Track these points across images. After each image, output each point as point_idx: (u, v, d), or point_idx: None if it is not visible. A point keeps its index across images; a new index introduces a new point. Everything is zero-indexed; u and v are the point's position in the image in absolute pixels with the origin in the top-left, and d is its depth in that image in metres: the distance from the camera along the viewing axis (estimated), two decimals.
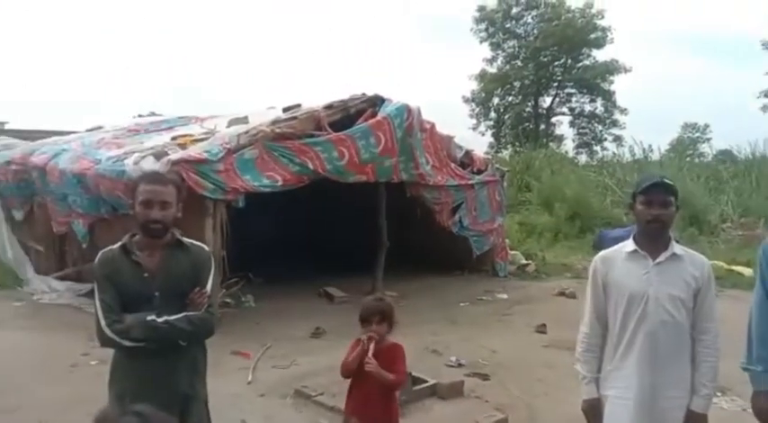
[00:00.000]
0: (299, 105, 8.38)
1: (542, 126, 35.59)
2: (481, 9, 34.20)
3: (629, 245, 2.72)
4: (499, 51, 35.03)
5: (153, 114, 13.43)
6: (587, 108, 35.50)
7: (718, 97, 65.19)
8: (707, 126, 41.25)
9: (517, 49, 34.63)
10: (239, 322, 7.30)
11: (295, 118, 7.81)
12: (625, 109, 34.29)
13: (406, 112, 8.42)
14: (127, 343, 2.56)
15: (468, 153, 10.08)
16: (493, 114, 36.02)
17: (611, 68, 32.75)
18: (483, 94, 35.16)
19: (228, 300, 7.94)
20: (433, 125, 9.18)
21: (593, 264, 2.82)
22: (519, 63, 34.31)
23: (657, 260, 2.64)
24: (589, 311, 2.81)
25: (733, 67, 74.36)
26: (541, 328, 7.27)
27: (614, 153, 25.48)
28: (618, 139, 32.76)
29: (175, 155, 7.01)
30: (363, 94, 8.49)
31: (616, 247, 2.80)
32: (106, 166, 7.66)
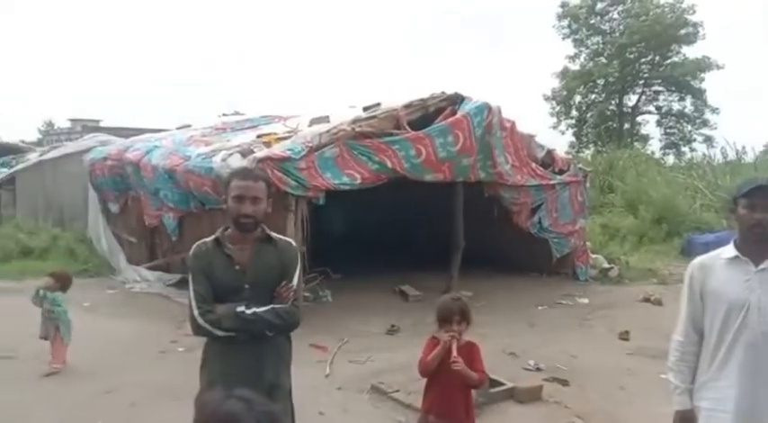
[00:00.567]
0: (378, 104, 8.44)
1: (627, 125, 34.24)
2: (564, 5, 33.29)
3: (728, 250, 2.57)
4: (582, 48, 34.00)
5: (237, 113, 13.93)
6: (675, 107, 33.85)
7: None
8: None
9: (601, 45, 33.48)
10: (317, 316, 7.45)
11: (375, 117, 7.88)
12: (716, 108, 32.41)
13: (486, 110, 8.31)
14: (218, 332, 2.67)
15: (549, 152, 9.84)
16: (574, 113, 35.01)
17: (702, 66, 31.04)
18: (564, 92, 34.21)
19: (307, 294, 8.12)
20: (513, 123, 9.01)
21: (689, 270, 2.68)
22: (603, 60, 33.11)
23: (761, 267, 2.49)
24: (684, 319, 2.67)
25: None
26: (624, 335, 7.00)
27: (704, 154, 24.13)
28: (708, 140, 31.03)
29: (261, 152, 7.24)
30: (443, 92, 8.45)
31: (714, 252, 2.65)
32: (195, 162, 8.00)
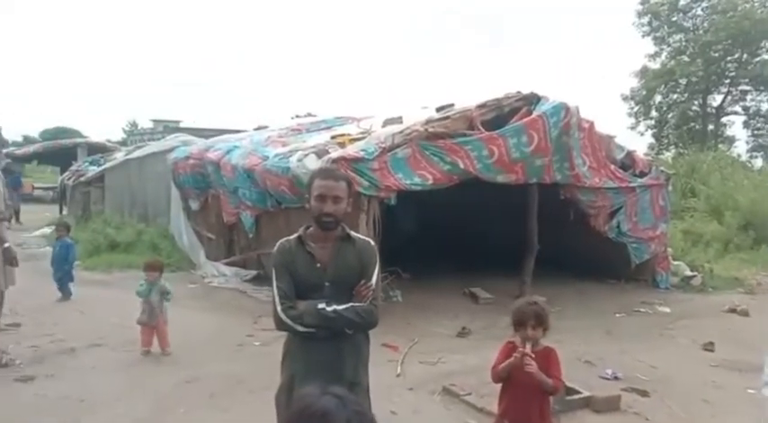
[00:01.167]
0: (452, 105, 8.41)
1: (710, 126, 32.63)
2: (644, 2, 32.07)
3: None
4: (663, 46, 32.66)
5: (309, 115, 14.21)
6: (765, 107, 31.96)
7: None
8: None
9: (684, 43, 32.05)
10: (387, 316, 7.45)
11: (448, 117, 7.85)
12: None
13: (563, 110, 8.11)
14: (299, 328, 2.74)
15: (629, 154, 9.50)
16: (654, 113, 33.68)
17: None
18: (644, 92, 32.96)
19: None
20: (591, 124, 8.76)
21: None
22: (686, 58, 31.66)
23: None
24: None
25: None
26: (709, 346, 6.68)
27: None
28: None
29: (335, 153, 7.36)
30: (518, 92, 8.32)
31: None
32: (273, 162, 8.22)
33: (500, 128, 7.88)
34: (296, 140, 9.41)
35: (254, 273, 9.71)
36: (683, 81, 32.11)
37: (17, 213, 15.43)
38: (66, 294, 8.26)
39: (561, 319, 7.21)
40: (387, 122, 8.49)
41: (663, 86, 32.48)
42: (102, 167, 15.38)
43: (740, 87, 32.11)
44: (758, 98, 31.94)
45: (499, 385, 3.30)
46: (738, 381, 5.43)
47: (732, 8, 29.49)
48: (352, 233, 2.93)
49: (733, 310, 8.32)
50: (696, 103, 32.87)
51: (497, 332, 7.28)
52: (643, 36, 32.70)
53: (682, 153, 23.92)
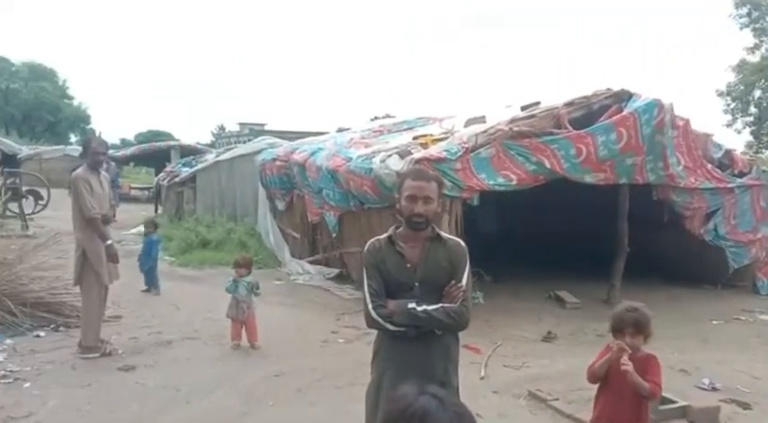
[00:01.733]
0: (538, 103, 8.23)
1: None
2: None
3: None
4: (764, 38, 30.51)
5: (387, 116, 14.32)
6: None
7: None
8: None
9: None
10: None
11: (533, 116, 7.70)
12: None
13: (656, 107, 7.76)
14: (390, 327, 2.76)
15: (728, 153, 8.97)
16: (753, 109, 31.53)
17: None
18: (742, 87, 30.93)
19: None
20: (686, 122, 8.34)
21: None
22: None
23: None
24: None
25: None
26: None
27: None
28: None
29: (418, 154, 7.37)
30: (608, 89, 8.03)
31: None
32: (356, 163, 8.34)
33: (589, 126, 7.63)
34: (378, 142, 9.50)
35: (336, 271, 9.89)
36: None
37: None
38: (153, 288, 8.69)
39: (653, 325, 6.90)
40: (469, 122, 8.42)
41: (763, 81, 30.38)
42: (195, 169, 16.12)
43: None
44: None
45: (591, 392, 3.20)
46: None
47: None
48: (443, 233, 2.92)
49: None
50: None
51: (584, 338, 7.08)
52: (741, 28, 30.69)
53: None
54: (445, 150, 7.35)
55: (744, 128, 31.75)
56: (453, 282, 2.80)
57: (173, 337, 6.51)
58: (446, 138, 7.94)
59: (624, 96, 7.94)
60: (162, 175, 18.66)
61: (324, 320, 7.47)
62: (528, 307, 8.25)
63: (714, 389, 5.35)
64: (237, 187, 14.74)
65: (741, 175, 8.97)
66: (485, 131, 7.50)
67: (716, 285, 9.38)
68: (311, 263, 10.39)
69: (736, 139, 30.31)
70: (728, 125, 31.57)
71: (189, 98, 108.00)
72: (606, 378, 3.05)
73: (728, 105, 31.75)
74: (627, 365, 2.88)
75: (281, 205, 11.84)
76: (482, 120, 8.31)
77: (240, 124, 43.29)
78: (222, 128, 52.12)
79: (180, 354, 6.02)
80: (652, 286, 8.97)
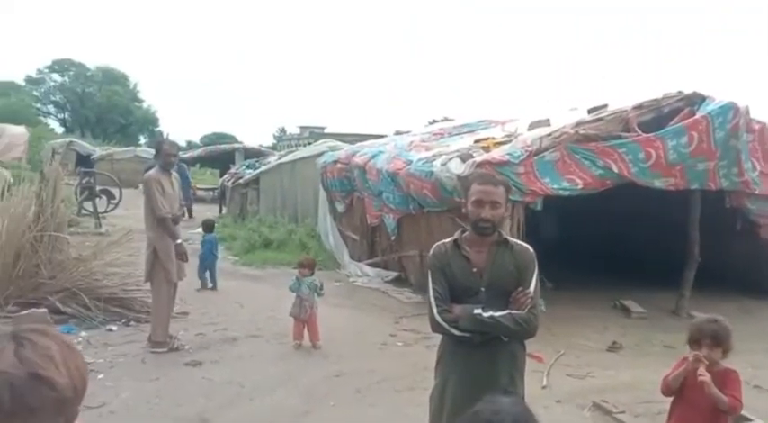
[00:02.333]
0: (605, 106, 8.02)
1: None
2: None
3: None
4: None
5: (446, 119, 14.24)
6: None
7: None
8: None
9: None
10: None
11: (600, 119, 7.50)
12: None
13: (731, 111, 7.42)
14: (455, 332, 2.74)
15: None
16: None
17: None
18: None
19: None
20: (763, 126, 7.95)
21: None
22: None
23: None
24: None
25: None
26: None
27: None
28: None
29: (479, 157, 7.31)
30: (680, 92, 7.74)
31: None
32: (416, 166, 8.33)
33: (659, 130, 7.38)
34: (439, 145, 9.48)
35: (394, 274, 9.91)
36: None
37: (190, 210, 16.86)
38: (206, 284, 8.94)
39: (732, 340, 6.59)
40: (533, 125, 8.28)
41: None
42: (258, 171, 16.49)
43: None
44: None
45: (659, 405, 3.09)
46: None
47: None
48: (510, 238, 2.89)
49: None
50: None
51: (651, 349, 6.84)
52: None
53: None
54: (508, 154, 7.26)
55: None
56: (521, 288, 2.76)
57: (237, 334, 6.68)
58: (509, 141, 7.84)
59: (696, 99, 7.64)
60: (226, 176, 19.18)
61: (382, 323, 7.50)
62: (592, 315, 8.04)
63: None
64: (299, 189, 14.99)
65: None
66: (549, 135, 7.36)
67: None
68: (370, 265, 10.45)
69: None
70: None
71: (251, 101, 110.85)
72: (681, 391, 2.94)
73: None
74: (704, 376, 2.77)
75: (340, 207, 11.97)
76: (546, 123, 8.16)
77: (301, 127, 44.12)
78: (283, 130, 53.24)
79: (244, 351, 6.17)
80: (723, 297, 8.57)
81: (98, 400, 4.73)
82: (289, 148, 23.80)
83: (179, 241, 6.07)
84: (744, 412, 4.47)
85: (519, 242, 2.92)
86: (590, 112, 7.99)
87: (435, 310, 2.78)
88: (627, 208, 9.96)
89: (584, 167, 7.30)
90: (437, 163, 7.86)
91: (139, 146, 38.80)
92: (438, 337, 3.03)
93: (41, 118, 50.40)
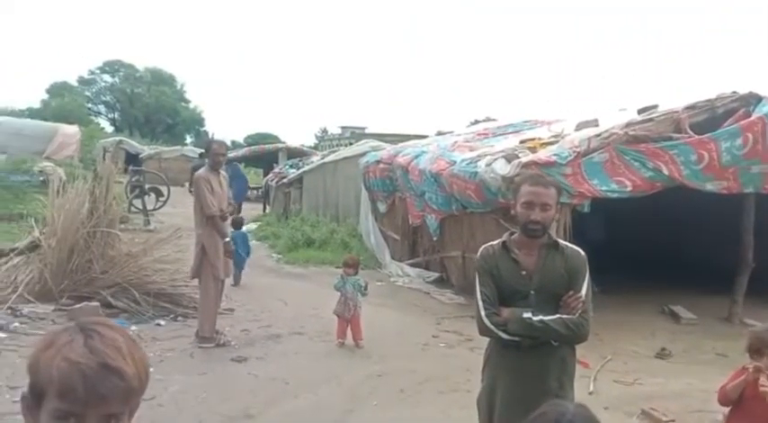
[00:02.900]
0: (655, 106, 7.81)
1: None
2: None
3: None
4: None
5: (488, 119, 14.10)
6: None
7: None
8: None
9: None
10: None
11: (651, 120, 7.31)
12: None
13: None
14: (504, 336, 2.70)
15: None
16: None
17: None
18: None
19: None
20: None
21: None
22: None
23: None
24: None
25: None
26: None
27: None
28: None
29: (525, 158, 7.21)
30: (734, 92, 7.48)
31: None
32: (460, 167, 8.28)
33: (712, 131, 7.15)
34: (483, 145, 9.39)
35: (436, 275, 9.88)
36: None
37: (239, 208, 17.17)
38: (239, 279, 9.01)
39: None
40: (581, 125, 8.12)
41: None
42: (301, 170, 16.66)
43: None
44: None
45: (711, 415, 3.00)
46: None
47: None
48: (561, 241, 2.84)
49: None
50: None
51: (702, 357, 6.65)
52: None
53: None
54: (555, 154, 7.14)
55: None
56: (572, 292, 2.71)
57: (281, 331, 6.76)
58: (556, 141, 7.71)
59: (752, 100, 7.37)
60: (270, 175, 19.43)
61: (424, 324, 7.48)
62: (639, 321, 7.85)
63: None
64: (341, 189, 15.08)
65: None
66: (598, 135, 7.21)
67: None
68: (411, 265, 10.44)
69: None
70: None
71: (292, 101, 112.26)
72: (740, 401, 2.84)
73: None
74: (766, 387, 2.67)
75: (382, 207, 11.99)
76: (594, 123, 8.00)
77: (342, 127, 44.45)
78: (325, 131, 53.74)
79: (288, 348, 6.25)
80: None
81: (148, 393, 4.81)
82: (330, 148, 24.01)
83: (227, 239, 6.19)
84: None
85: (570, 245, 2.86)
86: (640, 112, 7.80)
87: (483, 313, 2.74)
88: (675, 210, 9.70)
89: (633, 169, 7.13)
90: (481, 163, 7.79)
91: (185, 145, 39.77)
92: (483, 340, 3.00)
93: (92, 117, 52.11)
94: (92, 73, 57.82)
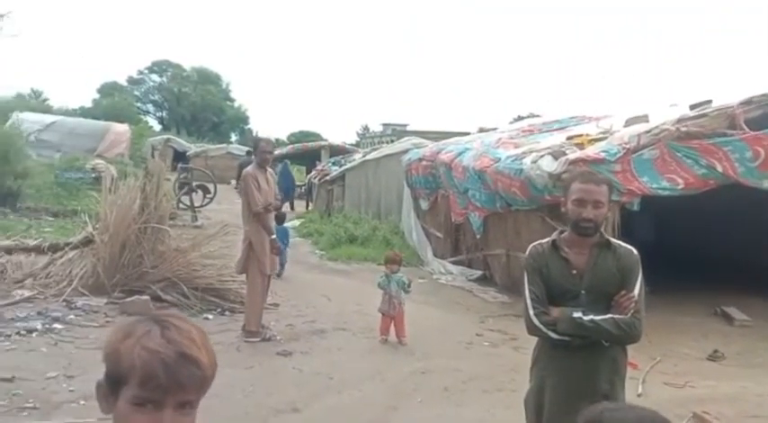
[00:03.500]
0: (709, 102, 7.56)
1: None
2: None
3: None
4: None
5: (532, 115, 13.88)
6: None
7: None
8: None
9: None
10: None
11: (704, 115, 7.08)
12: None
13: None
14: (553, 335, 2.65)
15: None
16: None
17: None
18: None
19: None
20: None
21: None
22: None
23: None
24: None
25: None
26: None
27: None
28: None
29: (573, 154, 7.09)
30: None
31: None
32: (505, 164, 8.19)
33: None
34: (528, 142, 9.27)
35: (479, 273, 9.81)
36: None
37: (292, 204, 17.62)
38: (281, 272, 9.04)
39: None
40: (630, 121, 7.93)
41: None
42: (343, 168, 16.78)
43: None
44: None
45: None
46: None
47: None
48: (612, 240, 2.77)
49: None
50: None
51: (756, 360, 6.43)
52: None
53: None
54: (603, 151, 7.00)
55: None
56: (624, 291, 2.65)
57: (325, 326, 6.82)
58: (604, 138, 7.55)
59: None
60: (313, 173, 19.63)
61: (468, 322, 7.44)
62: (690, 322, 7.64)
63: None
64: (383, 186, 15.11)
65: None
66: (648, 131, 7.03)
67: None
68: (454, 263, 10.39)
69: None
70: None
71: (334, 99, 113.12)
72: None
73: None
74: None
75: (424, 205, 11.97)
76: (644, 119, 7.79)
77: (383, 125, 44.46)
78: (366, 128, 53.88)
79: (332, 343, 6.30)
80: None
81: None
82: (372, 146, 24.05)
83: (274, 236, 6.28)
84: None
85: (622, 244, 2.79)
86: (692, 108, 7.56)
87: (532, 312, 2.70)
88: (728, 209, 9.38)
89: (685, 166, 6.93)
90: (527, 160, 7.69)
91: (231, 143, 40.45)
92: (528, 340, 2.96)
93: (141, 116, 53.48)
94: (140, 73, 59.44)
